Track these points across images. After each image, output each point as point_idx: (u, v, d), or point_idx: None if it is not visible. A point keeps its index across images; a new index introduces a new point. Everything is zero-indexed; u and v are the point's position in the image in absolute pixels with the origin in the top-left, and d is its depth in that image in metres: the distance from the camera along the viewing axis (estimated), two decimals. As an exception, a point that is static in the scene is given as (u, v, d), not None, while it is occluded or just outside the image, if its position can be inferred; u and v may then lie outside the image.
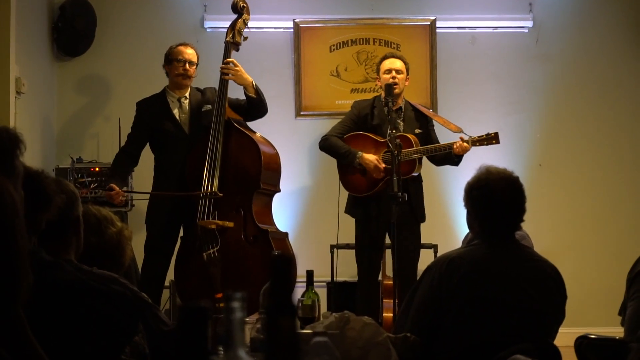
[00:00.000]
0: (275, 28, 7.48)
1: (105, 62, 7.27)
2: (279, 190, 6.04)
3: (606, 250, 7.37)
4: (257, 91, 5.93)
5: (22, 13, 6.40)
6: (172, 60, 5.87)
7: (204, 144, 5.74)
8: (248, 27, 6.04)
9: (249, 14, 6.05)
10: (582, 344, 3.31)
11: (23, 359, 2.08)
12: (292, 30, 7.42)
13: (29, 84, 6.51)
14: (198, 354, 1.54)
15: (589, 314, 6.95)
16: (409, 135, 5.92)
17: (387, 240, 6.03)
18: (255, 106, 5.97)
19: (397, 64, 6.10)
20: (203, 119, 5.88)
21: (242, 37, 6.01)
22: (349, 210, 6.20)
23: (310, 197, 7.34)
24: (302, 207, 7.36)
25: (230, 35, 5.96)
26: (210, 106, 5.89)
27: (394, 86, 5.91)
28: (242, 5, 6.01)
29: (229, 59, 5.89)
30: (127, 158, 5.90)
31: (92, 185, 6.71)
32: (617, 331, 3.53)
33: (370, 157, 5.98)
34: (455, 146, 5.86)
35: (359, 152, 5.99)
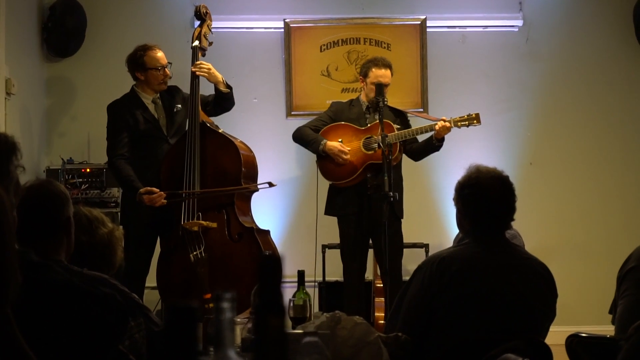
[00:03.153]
0: (265, 28, 7.48)
1: (95, 62, 7.26)
2: (257, 189, 6.05)
3: (597, 248, 7.39)
4: (228, 86, 6.01)
5: (12, 13, 6.39)
6: (149, 68, 5.84)
7: (178, 148, 5.78)
8: (212, 32, 6.12)
9: (211, 20, 6.14)
10: (573, 342, 3.33)
11: (11, 360, 2.08)
12: (282, 30, 7.42)
13: (19, 84, 6.50)
14: (187, 355, 1.54)
15: (579, 313, 6.96)
16: (389, 122, 5.94)
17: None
18: (227, 100, 6.05)
19: (388, 76, 6.11)
20: (177, 119, 5.95)
21: (208, 42, 6.08)
22: (329, 209, 6.22)
23: (301, 197, 7.33)
24: (292, 206, 7.36)
25: (197, 41, 6.00)
26: (180, 106, 5.96)
27: (384, 87, 5.96)
28: (204, 11, 6.10)
29: (198, 62, 5.93)
30: (128, 163, 5.78)
31: (83, 186, 6.71)
32: (607, 329, 3.54)
33: (334, 143, 6.06)
34: (437, 127, 5.90)
35: (324, 140, 6.07)
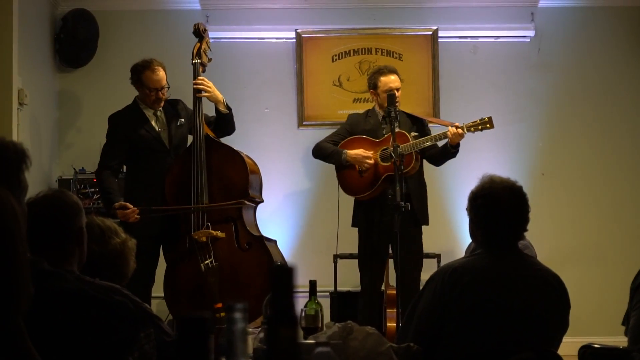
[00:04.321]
0: (277, 38, 7.49)
1: (107, 73, 7.28)
2: (262, 200, 6.08)
3: (609, 259, 7.36)
4: (228, 107, 6.04)
5: (25, 24, 6.41)
6: (144, 86, 5.87)
7: (183, 162, 5.82)
8: (210, 49, 6.20)
9: (209, 37, 6.24)
10: (586, 353, 3.31)
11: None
12: (294, 40, 7.43)
13: (32, 95, 6.52)
14: (199, 365, 1.54)
15: (592, 324, 6.93)
16: (404, 131, 5.93)
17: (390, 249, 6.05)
18: (227, 122, 6.08)
19: (397, 81, 6.12)
20: (179, 132, 5.97)
21: (208, 59, 6.15)
22: (354, 222, 6.22)
23: (313, 207, 7.34)
24: (304, 216, 7.36)
25: (197, 57, 6.06)
26: (183, 120, 5.99)
27: (396, 97, 5.94)
28: (203, 29, 6.17)
29: (199, 77, 5.98)
30: (112, 175, 5.83)
31: (95, 196, 6.72)
32: (620, 341, 3.53)
33: (355, 150, 6.06)
34: (449, 133, 5.87)
35: (345, 150, 6.07)
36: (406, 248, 5.81)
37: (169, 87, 5.93)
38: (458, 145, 5.95)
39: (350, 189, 6.16)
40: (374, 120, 6.20)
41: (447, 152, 6.05)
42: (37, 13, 6.88)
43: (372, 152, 6.05)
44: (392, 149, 5.70)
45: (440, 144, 6.15)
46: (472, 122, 5.92)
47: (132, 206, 5.65)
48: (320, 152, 6.26)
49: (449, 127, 5.89)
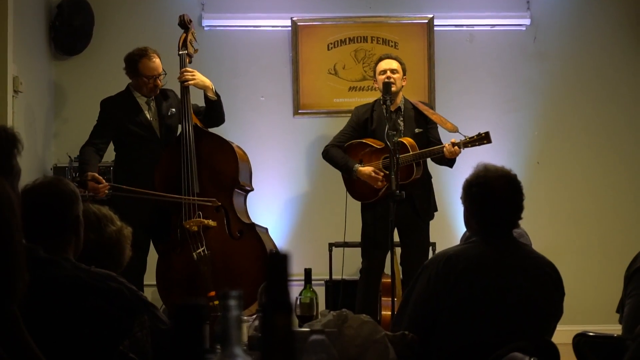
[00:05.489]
0: (272, 26, 7.48)
1: (103, 60, 7.26)
2: (252, 189, 6.09)
3: (604, 247, 7.38)
4: (217, 95, 6.04)
5: (20, 12, 6.39)
6: (140, 75, 5.87)
7: (172, 153, 5.82)
8: (196, 40, 6.21)
9: (194, 28, 6.28)
10: (580, 341, 3.32)
11: (18, 357, 2.08)
12: (289, 28, 7.42)
13: (27, 82, 6.51)
14: (194, 353, 1.54)
15: (587, 312, 6.95)
16: (404, 141, 5.91)
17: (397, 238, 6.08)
18: (216, 110, 6.08)
19: (393, 64, 6.13)
20: (170, 122, 5.98)
21: (194, 49, 6.16)
22: (362, 214, 6.24)
23: (308, 195, 7.34)
24: (300, 205, 7.36)
25: (184, 49, 6.07)
26: (174, 110, 5.99)
27: (392, 85, 5.92)
28: (188, 19, 6.17)
29: (184, 68, 5.98)
30: (96, 152, 5.85)
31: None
32: (615, 329, 3.54)
33: (366, 170, 6.02)
34: (444, 150, 5.85)
35: (356, 166, 6.06)
36: (412, 239, 5.83)
37: (165, 74, 5.93)
38: (454, 159, 5.95)
39: (357, 195, 6.19)
40: (379, 114, 6.15)
41: (442, 162, 6.09)
42: (32, 0, 6.86)
43: (375, 161, 6.04)
44: (387, 136, 5.68)
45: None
46: (470, 138, 5.85)
47: (104, 181, 5.67)
48: (331, 160, 6.23)
49: (446, 145, 5.85)
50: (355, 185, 6.15)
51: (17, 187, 2.34)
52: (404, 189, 5.60)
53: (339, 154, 6.17)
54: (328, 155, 6.24)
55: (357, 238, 6.26)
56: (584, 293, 7.02)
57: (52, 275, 2.64)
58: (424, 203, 6.08)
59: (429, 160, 6.15)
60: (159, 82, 5.89)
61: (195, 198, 5.76)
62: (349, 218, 6.30)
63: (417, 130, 6.07)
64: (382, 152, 6.02)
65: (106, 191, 5.67)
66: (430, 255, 6.03)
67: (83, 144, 5.92)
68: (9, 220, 2.08)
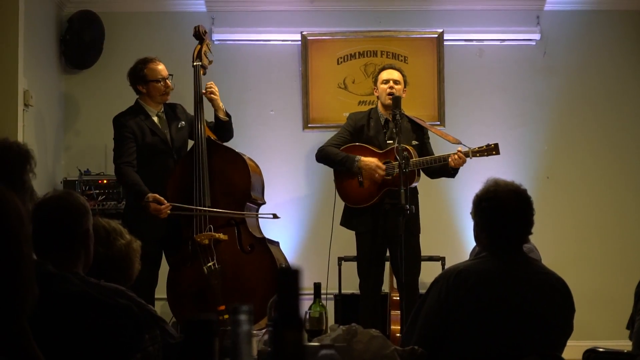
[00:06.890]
0: (283, 41, 7.50)
1: (113, 74, 7.27)
2: (264, 202, 6.08)
3: (614, 262, 7.35)
4: (228, 115, 6.05)
5: (31, 26, 6.42)
6: (150, 81, 5.87)
7: (184, 165, 5.81)
8: (211, 51, 6.20)
9: (209, 40, 6.27)
10: (590, 357, 3.31)
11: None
12: (299, 42, 7.43)
13: (37, 96, 6.53)
14: (204, 367, 1.54)
15: (597, 327, 6.93)
16: (407, 146, 5.90)
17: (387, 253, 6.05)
18: (226, 129, 6.08)
19: (395, 74, 6.13)
20: (179, 135, 5.97)
21: (209, 61, 6.15)
22: (345, 222, 6.20)
23: (318, 209, 7.33)
24: (309, 219, 7.36)
25: (198, 60, 6.06)
26: (184, 123, 5.98)
27: (400, 99, 5.90)
28: (203, 31, 6.17)
29: (210, 82, 5.99)
30: (135, 171, 5.74)
31: (100, 198, 6.72)
32: (625, 345, 3.52)
33: (370, 158, 5.99)
34: (450, 159, 5.81)
35: (358, 156, 6.01)
36: (406, 253, 5.81)
37: (171, 76, 5.93)
38: (458, 168, 5.92)
39: (349, 198, 6.14)
40: (376, 122, 6.16)
41: (445, 171, 6.02)
42: (42, 14, 6.89)
43: None
44: (395, 164, 5.67)
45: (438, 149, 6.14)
46: (478, 148, 5.81)
47: (166, 201, 5.59)
48: (327, 157, 6.18)
49: (452, 154, 5.81)
50: (349, 188, 6.12)
51: (27, 203, 2.34)
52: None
53: (335, 150, 6.14)
54: (324, 152, 6.18)
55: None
56: (593, 308, 7.00)
57: (60, 291, 2.64)
58: (414, 216, 6.02)
59: (423, 176, 6.11)
60: (169, 83, 5.89)
61: (255, 213, 5.82)
62: (348, 231, 6.27)
63: (414, 142, 6.04)
64: (380, 157, 6.00)
65: (168, 211, 5.61)
66: (440, 270, 6.01)
67: (117, 166, 5.77)
68: (18, 233, 2.08)
